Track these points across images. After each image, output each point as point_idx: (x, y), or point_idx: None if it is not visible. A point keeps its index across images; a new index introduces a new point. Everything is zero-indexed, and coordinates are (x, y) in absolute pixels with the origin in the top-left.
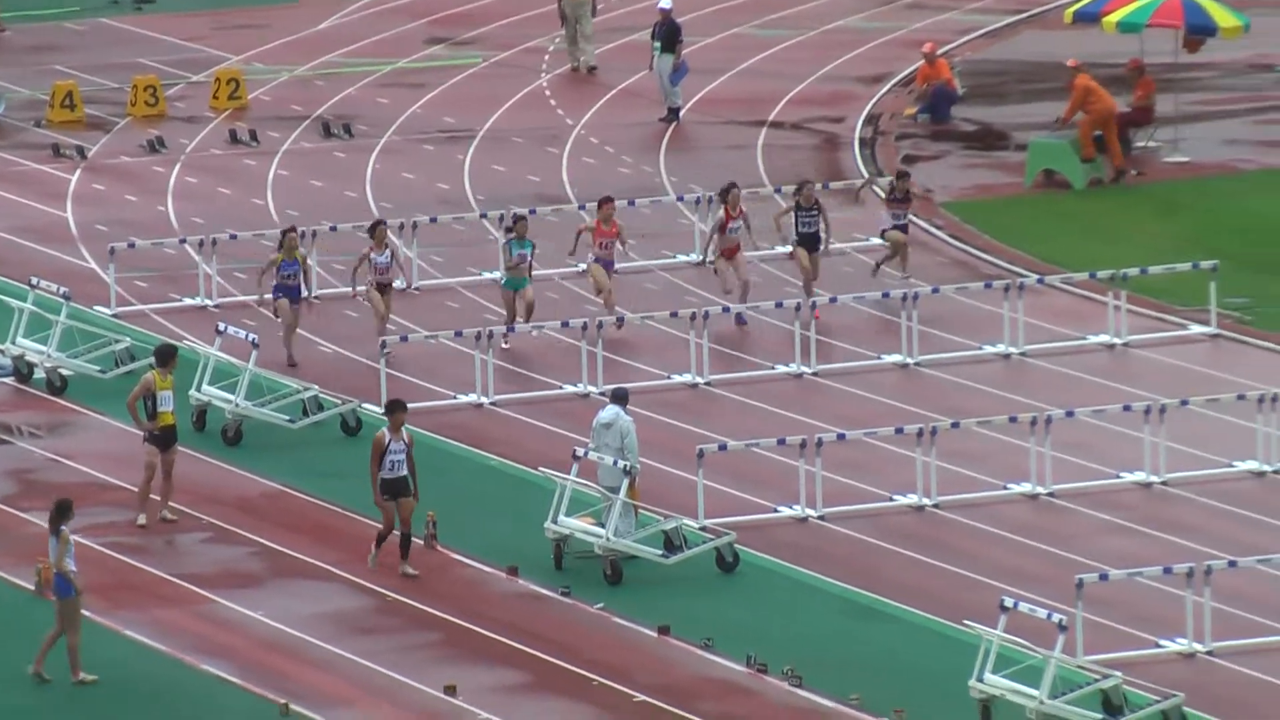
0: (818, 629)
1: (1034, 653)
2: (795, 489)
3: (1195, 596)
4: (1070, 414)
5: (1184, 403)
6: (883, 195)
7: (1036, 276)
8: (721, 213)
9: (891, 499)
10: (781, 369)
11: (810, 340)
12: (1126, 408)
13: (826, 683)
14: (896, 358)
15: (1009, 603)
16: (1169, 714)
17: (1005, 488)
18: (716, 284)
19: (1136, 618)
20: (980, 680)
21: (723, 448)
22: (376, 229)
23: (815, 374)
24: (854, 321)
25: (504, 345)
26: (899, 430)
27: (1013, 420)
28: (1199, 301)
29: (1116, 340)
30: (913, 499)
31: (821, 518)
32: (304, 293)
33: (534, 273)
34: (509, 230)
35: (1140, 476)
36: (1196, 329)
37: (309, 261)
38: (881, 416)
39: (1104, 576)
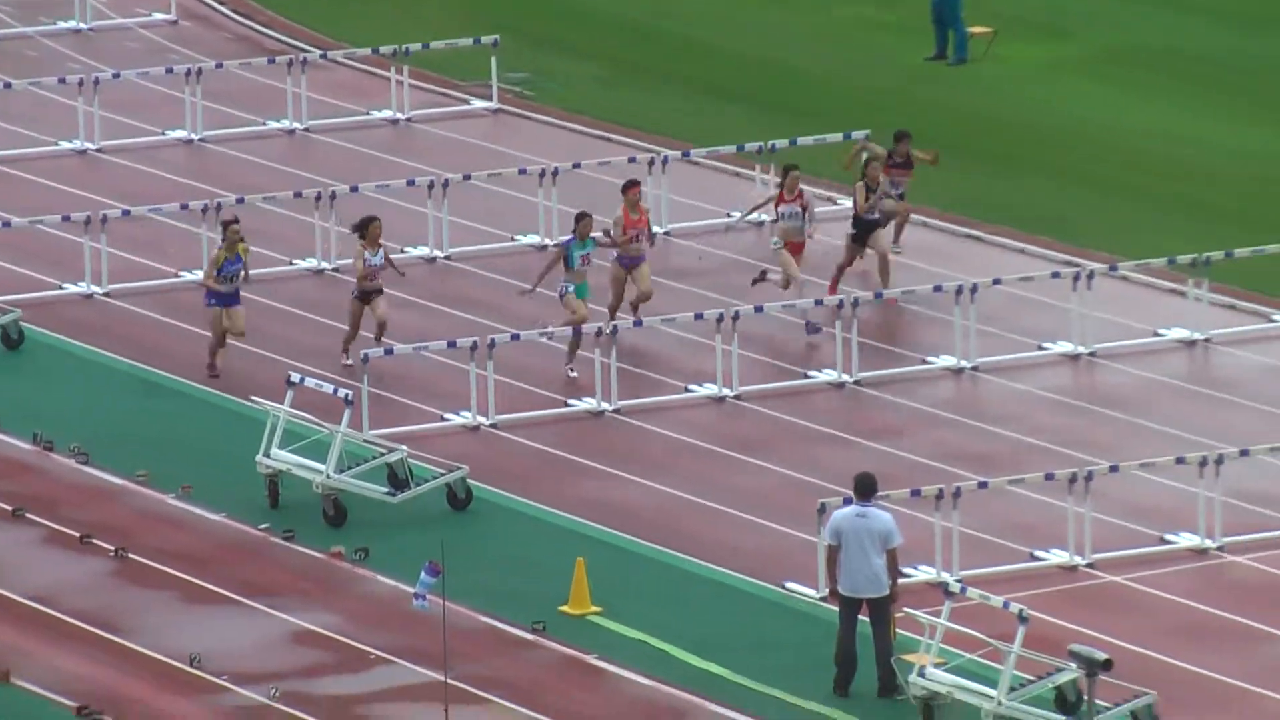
0: (105, 406)
1: (321, 428)
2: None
3: (479, 370)
4: (355, 189)
5: (466, 177)
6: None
7: (319, 52)
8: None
9: (178, 275)
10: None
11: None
12: (410, 183)
13: (114, 459)
14: (181, 133)
15: (295, 378)
16: (454, 487)
17: (292, 263)
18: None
19: (422, 392)
20: (267, 456)
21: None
22: (370, 225)
23: (99, 150)
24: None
25: (571, 374)
26: (184, 206)
27: (298, 196)
28: (481, 76)
29: (400, 116)
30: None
31: (107, 294)
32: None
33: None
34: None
35: (424, 251)
36: (479, 104)
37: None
38: (170, 193)
39: (389, 351)
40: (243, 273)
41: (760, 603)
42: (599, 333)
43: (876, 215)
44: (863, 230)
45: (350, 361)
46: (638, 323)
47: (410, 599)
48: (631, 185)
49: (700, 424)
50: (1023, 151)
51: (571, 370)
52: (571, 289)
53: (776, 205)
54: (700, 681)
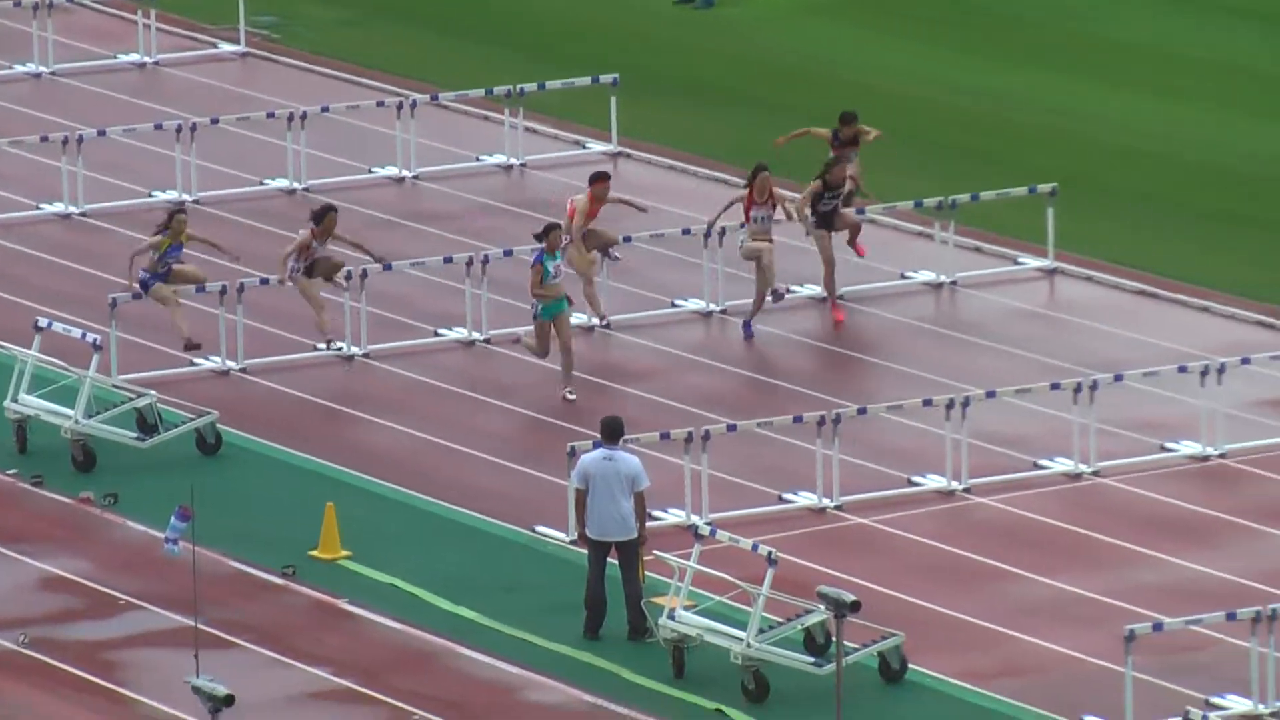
0: None
1: (70, 372)
2: None
3: (229, 315)
4: (102, 133)
5: (214, 121)
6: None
7: None
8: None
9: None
10: None
11: None
12: (158, 126)
13: None
14: None
15: (43, 323)
16: (204, 432)
17: (39, 207)
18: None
19: (172, 337)
20: (14, 401)
21: None
22: (326, 216)
23: None
24: None
25: (569, 396)
26: None
27: (44, 140)
28: (229, 20)
29: (148, 59)
30: None
31: None
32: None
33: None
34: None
35: (173, 195)
36: (226, 48)
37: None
38: None
39: (138, 296)
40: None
41: (510, 546)
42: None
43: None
44: (825, 219)
45: (335, 343)
46: (387, 266)
47: (161, 544)
48: (600, 178)
49: (450, 367)
50: (768, 93)
51: (569, 393)
52: (540, 309)
53: (747, 210)
54: (450, 625)
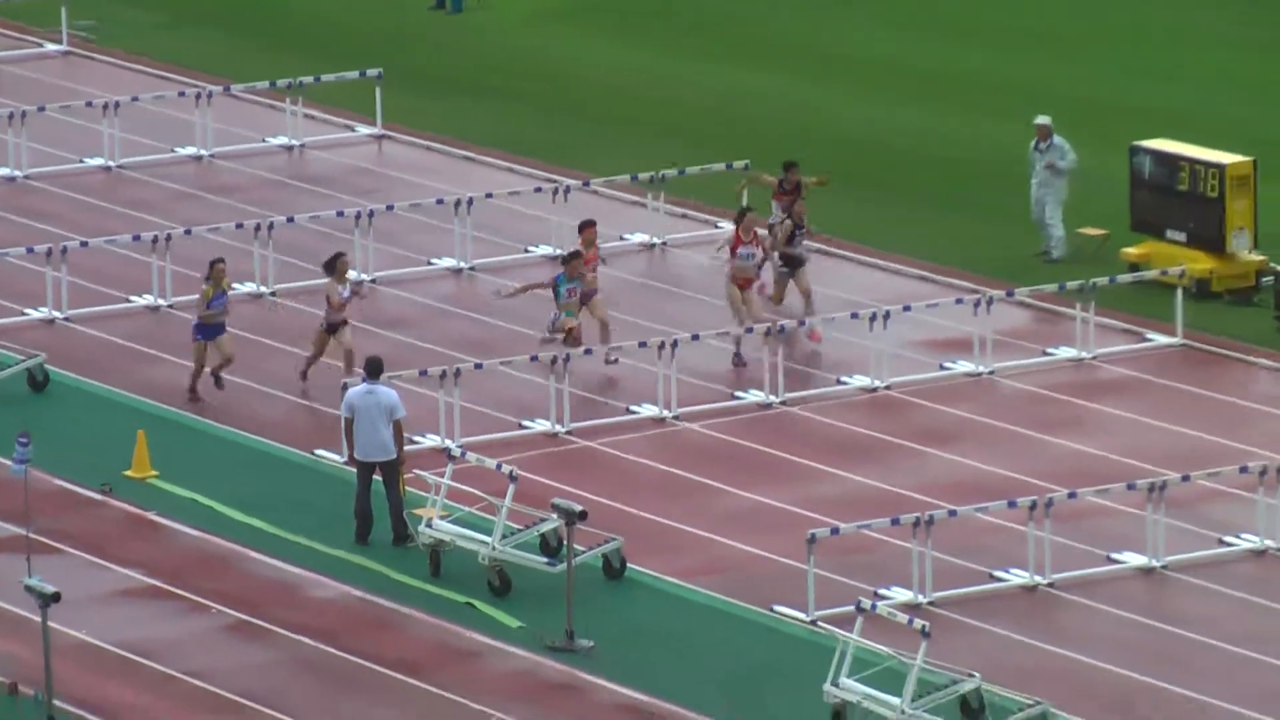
0: None
1: None
2: None
3: (54, 272)
4: None
5: (41, 109)
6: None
7: None
8: (732, 233)
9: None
10: None
11: None
12: None
13: None
14: None
15: None
16: (33, 371)
17: None
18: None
19: (4, 291)
20: None
21: None
22: (338, 262)
23: None
24: None
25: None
26: None
27: None
28: (52, 23)
29: None
30: None
31: None
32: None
33: None
34: (563, 263)
35: (5, 172)
36: (51, 46)
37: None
38: None
39: None
40: (226, 306)
41: (293, 467)
42: None
43: (800, 251)
44: (792, 265)
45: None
46: (187, 230)
47: (9, 466)
48: (588, 225)
49: (244, 316)
50: (510, 85)
51: (611, 358)
52: (562, 315)
53: (734, 249)
54: (245, 534)
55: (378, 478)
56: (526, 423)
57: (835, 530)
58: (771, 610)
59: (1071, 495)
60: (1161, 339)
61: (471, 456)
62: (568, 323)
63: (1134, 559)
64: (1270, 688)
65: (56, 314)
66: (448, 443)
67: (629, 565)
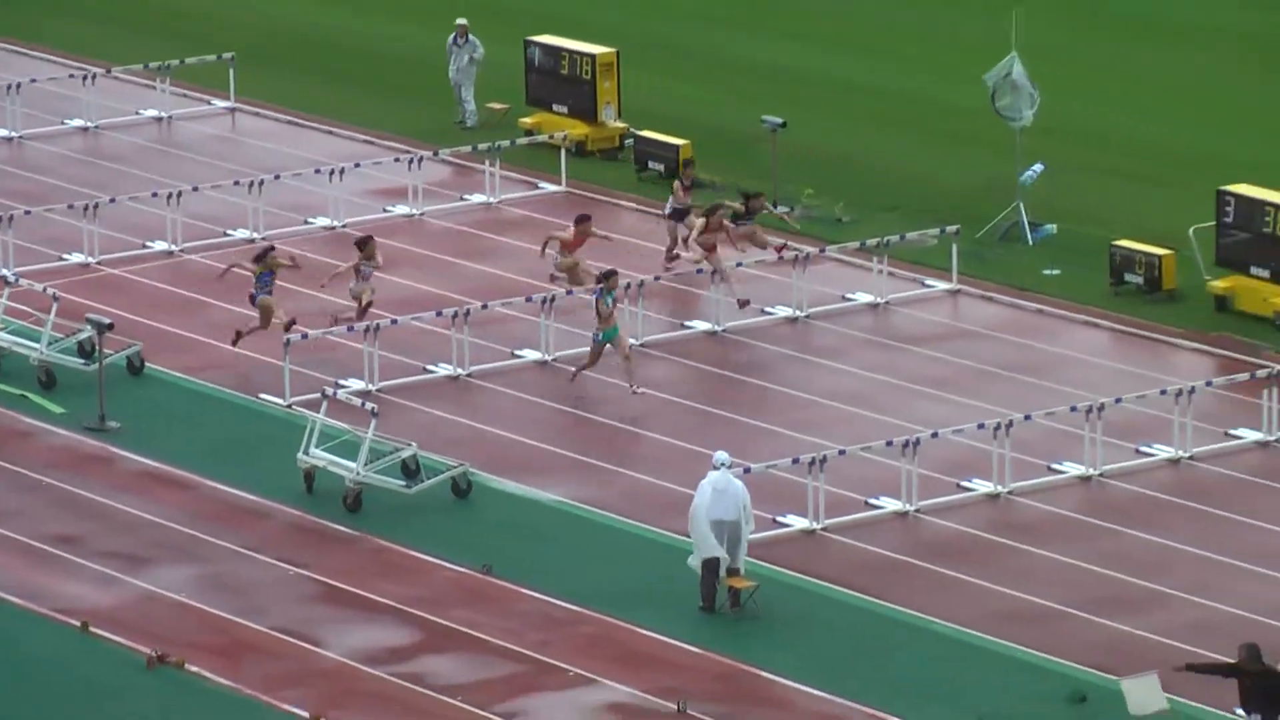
0: None
1: None
2: None
3: None
4: None
5: None
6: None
7: None
8: (701, 221)
9: None
10: None
11: None
12: None
13: None
14: None
15: None
16: None
17: None
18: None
19: None
20: None
21: None
22: (368, 244)
23: None
24: None
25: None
26: None
27: None
28: None
29: None
30: None
31: None
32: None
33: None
34: (599, 281)
35: None
36: None
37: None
38: None
39: None
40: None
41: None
42: None
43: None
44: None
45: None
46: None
47: None
48: (584, 219)
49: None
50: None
51: (637, 389)
52: (601, 334)
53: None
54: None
55: None
56: (65, 256)
57: (305, 335)
58: (258, 397)
59: (484, 307)
60: (550, 187)
61: (23, 282)
62: (595, 351)
63: (531, 354)
64: None
65: None
66: (3, 271)
67: (148, 364)
